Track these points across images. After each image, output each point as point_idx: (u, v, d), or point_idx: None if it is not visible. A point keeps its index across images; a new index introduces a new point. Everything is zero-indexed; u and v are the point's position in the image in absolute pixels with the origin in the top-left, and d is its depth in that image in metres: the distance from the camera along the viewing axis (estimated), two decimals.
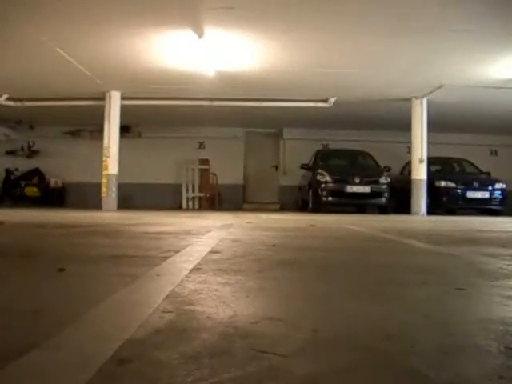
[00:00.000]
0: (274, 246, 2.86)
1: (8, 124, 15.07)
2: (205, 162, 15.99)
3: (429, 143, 12.05)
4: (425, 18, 7.16)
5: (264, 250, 2.59)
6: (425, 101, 11.78)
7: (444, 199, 12.21)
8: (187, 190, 15.83)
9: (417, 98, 11.76)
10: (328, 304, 1.32)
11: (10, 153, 16.04)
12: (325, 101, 12.20)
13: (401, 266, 2.18)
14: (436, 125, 12.47)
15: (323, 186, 11.62)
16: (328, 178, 11.69)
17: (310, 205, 12.07)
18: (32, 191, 15.40)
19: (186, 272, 1.74)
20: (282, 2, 6.84)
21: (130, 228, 4.19)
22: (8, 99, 12.02)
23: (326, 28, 7.72)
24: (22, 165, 15.86)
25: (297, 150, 15.56)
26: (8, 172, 15.70)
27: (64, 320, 1.02)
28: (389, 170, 12.49)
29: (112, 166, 11.70)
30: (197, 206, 15.58)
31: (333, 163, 13.17)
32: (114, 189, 11.79)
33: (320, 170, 12.00)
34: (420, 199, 11.78)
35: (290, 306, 1.30)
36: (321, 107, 12.41)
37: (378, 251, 2.91)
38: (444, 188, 12.19)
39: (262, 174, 16.69)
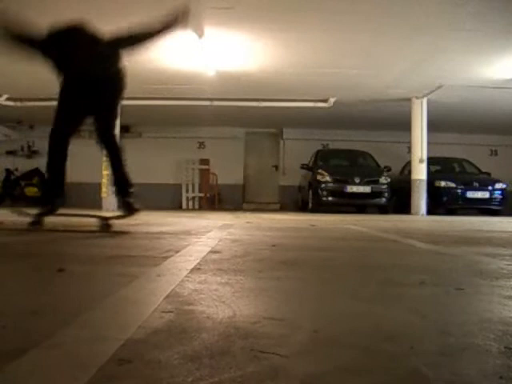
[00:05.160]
0: (274, 246, 2.86)
1: (8, 124, 15.07)
2: (205, 161, 15.99)
3: (429, 143, 12.05)
4: (425, 18, 7.16)
5: (264, 250, 2.59)
6: (425, 101, 11.78)
7: (444, 199, 12.21)
8: (187, 190, 15.82)
9: (417, 97, 11.76)
10: (328, 304, 1.32)
11: (10, 153, 16.04)
12: (325, 101, 12.20)
13: (401, 265, 2.18)
14: (436, 125, 12.47)
15: (323, 185, 11.61)
16: (328, 178, 11.68)
17: (310, 205, 12.06)
18: (32, 191, 15.39)
19: (185, 272, 1.74)
20: (282, 2, 6.84)
21: (129, 228, 4.19)
22: (8, 99, 12.02)
23: (326, 28, 7.72)
24: (22, 165, 15.86)
25: (297, 150, 15.55)
26: (8, 172, 15.70)
27: (64, 320, 1.02)
28: (389, 169, 12.49)
29: None
30: (197, 206, 15.58)
31: (333, 163, 13.16)
32: None
33: (320, 170, 11.99)
34: (420, 199, 11.77)
35: (291, 306, 1.29)
36: (321, 107, 12.40)
37: (378, 251, 2.91)
38: (444, 188, 12.18)
39: (262, 174, 16.68)
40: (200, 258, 2.15)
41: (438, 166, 13.49)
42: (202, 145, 16.37)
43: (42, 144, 15.96)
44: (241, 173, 16.53)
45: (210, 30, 7.67)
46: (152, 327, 0.99)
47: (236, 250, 2.55)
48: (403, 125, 12.27)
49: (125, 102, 13.29)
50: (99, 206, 11.58)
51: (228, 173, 15.89)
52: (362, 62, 9.29)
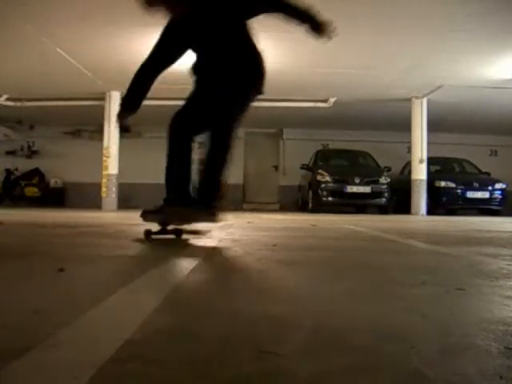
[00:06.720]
0: (274, 245, 2.86)
1: (8, 124, 15.07)
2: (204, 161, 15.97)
3: (429, 143, 12.05)
4: (425, 19, 7.16)
5: (264, 250, 2.58)
6: (425, 101, 11.78)
7: (444, 199, 12.21)
8: None
9: (417, 97, 11.77)
10: (328, 304, 1.32)
11: (10, 153, 16.03)
12: (325, 101, 12.20)
13: (401, 265, 2.18)
14: (436, 125, 12.47)
15: (323, 186, 11.61)
16: (328, 178, 11.68)
17: (310, 205, 12.06)
18: (32, 191, 15.39)
19: (186, 272, 1.74)
20: None
21: (130, 228, 4.19)
22: (8, 99, 12.02)
23: None
24: (22, 165, 15.85)
25: (297, 150, 15.54)
26: (8, 172, 15.69)
27: (64, 320, 1.01)
28: (389, 170, 12.49)
29: (112, 166, 11.69)
30: None
31: (333, 163, 13.16)
32: (114, 189, 11.79)
33: (320, 170, 11.99)
34: (420, 199, 11.77)
35: (291, 305, 1.29)
36: (321, 107, 12.41)
37: (378, 251, 2.91)
38: (444, 188, 12.19)
39: (262, 174, 16.67)
40: (200, 258, 2.15)
41: (438, 166, 13.49)
42: (201, 145, 16.36)
43: (42, 144, 16.02)
44: (241, 173, 16.51)
45: None
46: (152, 327, 0.99)
47: (236, 250, 2.55)
48: (403, 125, 12.27)
49: None
50: (99, 206, 11.59)
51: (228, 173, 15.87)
52: (362, 62, 9.29)
